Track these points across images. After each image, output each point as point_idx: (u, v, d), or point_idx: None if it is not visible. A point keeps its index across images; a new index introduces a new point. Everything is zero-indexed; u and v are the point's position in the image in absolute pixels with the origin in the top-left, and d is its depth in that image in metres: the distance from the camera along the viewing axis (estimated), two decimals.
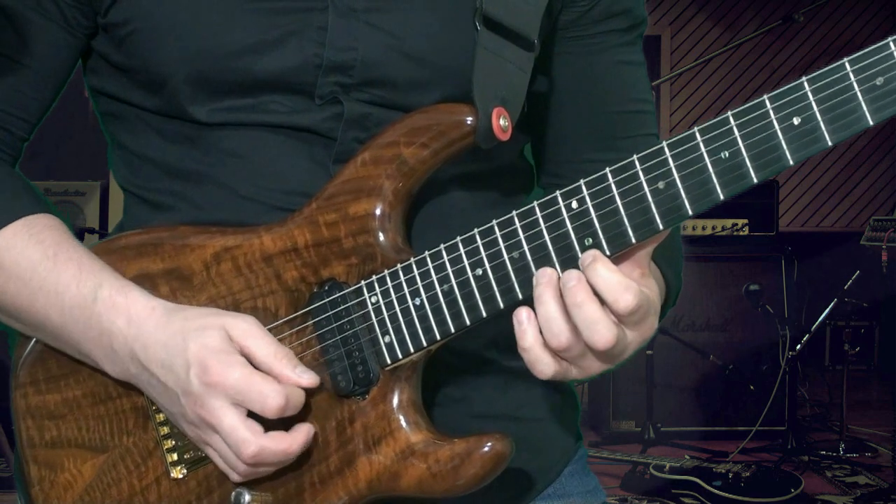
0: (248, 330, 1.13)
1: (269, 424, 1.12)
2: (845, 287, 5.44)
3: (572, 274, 1.05)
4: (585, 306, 1.04)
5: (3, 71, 1.24)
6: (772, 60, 8.68)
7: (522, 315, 1.07)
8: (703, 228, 6.10)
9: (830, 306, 5.48)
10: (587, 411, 6.23)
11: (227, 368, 1.10)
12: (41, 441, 1.24)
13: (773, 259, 5.81)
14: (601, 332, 1.04)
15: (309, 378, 1.13)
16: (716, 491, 4.62)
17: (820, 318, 5.51)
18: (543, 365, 1.07)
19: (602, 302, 1.04)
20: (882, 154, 8.80)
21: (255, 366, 1.12)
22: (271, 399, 1.09)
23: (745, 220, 6.10)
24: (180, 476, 1.20)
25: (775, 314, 5.58)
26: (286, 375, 1.12)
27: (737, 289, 5.69)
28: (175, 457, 1.21)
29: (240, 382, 1.10)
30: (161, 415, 1.21)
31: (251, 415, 1.11)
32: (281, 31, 1.19)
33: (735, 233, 6.10)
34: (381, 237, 1.16)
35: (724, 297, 5.79)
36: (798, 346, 5.51)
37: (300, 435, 1.13)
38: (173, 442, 1.21)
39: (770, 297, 5.62)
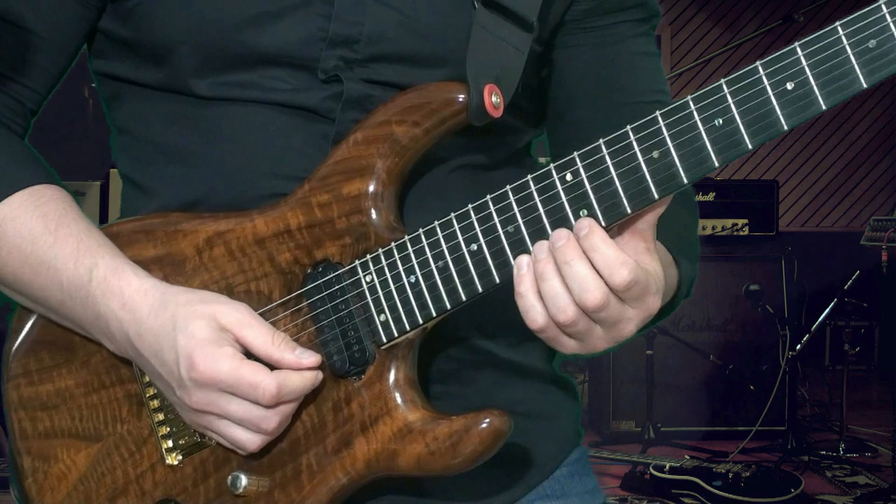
0: (240, 319, 1.13)
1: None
2: (845, 287, 5.45)
3: (562, 233, 1.06)
4: (574, 263, 1.04)
5: (17, 42, 1.24)
6: None
7: (523, 262, 1.08)
8: (703, 228, 6.10)
9: (830, 306, 5.49)
10: (587, 411, 6.23)
11: (213, 363, 1.10)
12: (34, 432, 1.24)
13: (773, 259, 5.81)
14: (591, 289, 1.04)
15: (310, 358, 1.13)
16: (716, 491, 4.62)
17: (820, 318, 5.52)
18: (536, 313, 1.08)
19: (598, 275, 1.05)
20: (882, 154, 8.80)
21: (252, 354, 1.12)
22: (261, 388, 1.10)
23: (745, 220, 6.10)
24: (175, 462, 1.20)
25: (775, 314, 5.58)
26: (287, 359, 1.12)
27: (737, 289, 5.69)
28: (170, 443, 1.20)
29: (229, 376, 1.10)
30: (155, 401, 1.21)
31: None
32: (287, 4, 1.18)
33: (735, 233, 6.09)
34: (374, 216, 1.16)
35: (724, 297, 5.78)
36: (798, 346, 5.51)
37: (311, 373, 1.13)
38: (168, 428, 1.20)
39: (770, 297, 5.62)
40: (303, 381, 1.12)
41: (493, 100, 1.15)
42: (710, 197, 6.04)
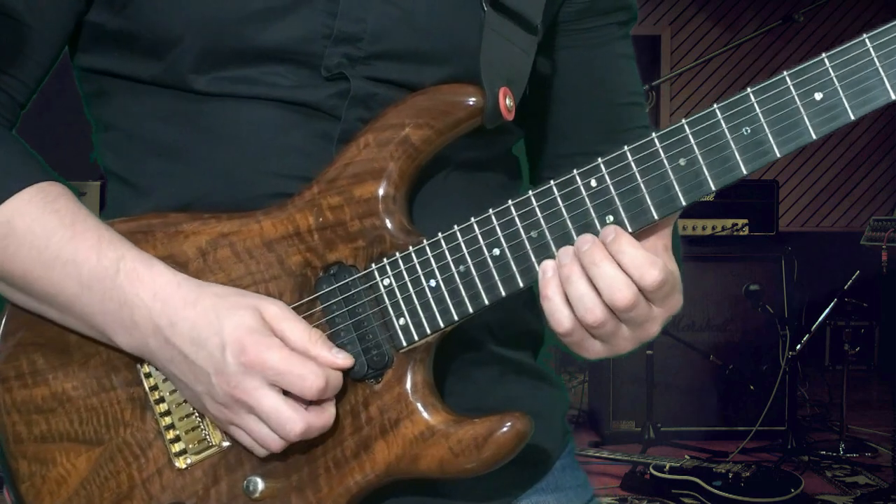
0: (279, 313, 1.12)
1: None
2: (845, 287, 5.45)
3: (586, 238, 1.07)
4: (602, 264, 1.06)
5: (9, 34, 1.22)
6: (772, 60, 8.69)
7: (548, 266, 1.09)
8: (703, 228, 6.11)
9: (830, 306, 5.49)
10: (587, 411, 6.23)
11: (265, 349, 1.09)
12: (29, 436, 1.21)
13: (773, 259, 5.81)
14: (620, 289, 1.06)
15: (344, 358, 1.13)
16: (716, 491, 4.62)
17: (820, 318, 5.52)
18: (562, 316, 1.09)
19: (627, 275, 1.06)
20: (882, 154, 8.81)
21: (289, 349, 1.12)
22: (311, 380, 1.09)
23: (745, 220, 6.10)
24: (184, 466, 1.19)
25: (775, 314, 5.58)
26: (323, 356, 1.11)
27: (737, 289, 5.69)
28: (179, 447, 1.19)
29: (279, 363, 1.09)
30: (162, 405, 1.19)
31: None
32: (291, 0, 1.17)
33: (735, 233, 6.10)
34: (389, 219, 1.16)
35: (724, 297, 5.79)
36: (798, 346, 5.51)
37: (332, 407, 1.14)
38: (176, 432, 1.19)
39: (770, 297, 5.62)
40: (341, 380, 1.13)
41: (507, 103, 1.16)
42: (710, 197, 6.03)
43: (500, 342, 1.29)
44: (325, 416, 1.12)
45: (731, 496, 4.59)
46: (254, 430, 1.13)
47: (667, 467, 4.79)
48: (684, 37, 8.80)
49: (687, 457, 4.97)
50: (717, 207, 6.07)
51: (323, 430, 1.13)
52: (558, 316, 1.09)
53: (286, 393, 1.11)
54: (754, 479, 4.66)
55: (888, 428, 5.27)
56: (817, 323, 5.53)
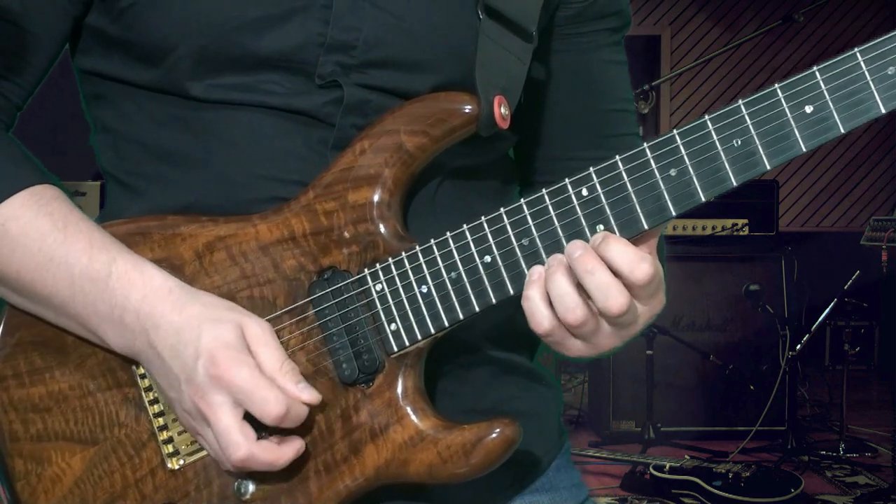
0: (260, 336, 1.12)
1: (264, 429, 1.12)
2: (845, 287, 5.45)
3: (577, 244, 1.07)
4: (597, 272, 1.05)
5: (5, 37, 1.22)
6: (772, 60, 8.69)
7: (535, 270, 1.08)
8: (703, 228, 6.11)
9: (830, 306, 5.49)
10: (587, 411, 6.23)
11: (235, 365, 1.09)
12: (26, 435, 1.22)
13: (773, 259, 5.82)
14: (615, 295, 1.06)
15: (309, 394, 1.12)
16: (716, 491, 4.62)
17: (820, 318, 5.52)
18: (542, 316, 1.08)
19: (617, 275, 1.06)
20: (882, 154, 8.81)
21: (259, 371, 1.11)
22: (272, 406, 1.09)
23: (745, 220, 6.10)
24: (177, 467, 1.19)
25: (775, 314, 5.59)
26: (289, 389, 1.11)
27: (737, 289, 5.69)
28: (171, 448, 1.19)
29: (246, 383, 1.09)
30: (156, 406, 1.20)
31: (249, 417, 1.11)
32: (286, 8, 1.18)
33: (735, 233, 6.10)
34: (382, 225, 1.16)
35: (724, 297, 5.79)
36: (798, 346, 5.51)
37: (289, 450, 1.13)
38: (169, 433, 1.20)
39: (770, 297, 5.63)
40: (305, 413, 1.12)
41: (502, 111, 1.17)
42: None
43: (496, 344, 1.29)
44: (274, 453, 1.11)
45: (731, 496, 4.60)
46: (211, 445, 1.13)
47: (667, 467, 4.79)
48: (684, 37, 8.80)
49: (687, 457, 4.97)
50: (717, 207, 6.07)
51: (271, 466, 1.12)
52: (538, 316, 1.08)
53: (252, 421, 1.11)
54: (754, 479, 4.66)
55: (888, 428, 5.28)
56: (817, 323, 5.53)
